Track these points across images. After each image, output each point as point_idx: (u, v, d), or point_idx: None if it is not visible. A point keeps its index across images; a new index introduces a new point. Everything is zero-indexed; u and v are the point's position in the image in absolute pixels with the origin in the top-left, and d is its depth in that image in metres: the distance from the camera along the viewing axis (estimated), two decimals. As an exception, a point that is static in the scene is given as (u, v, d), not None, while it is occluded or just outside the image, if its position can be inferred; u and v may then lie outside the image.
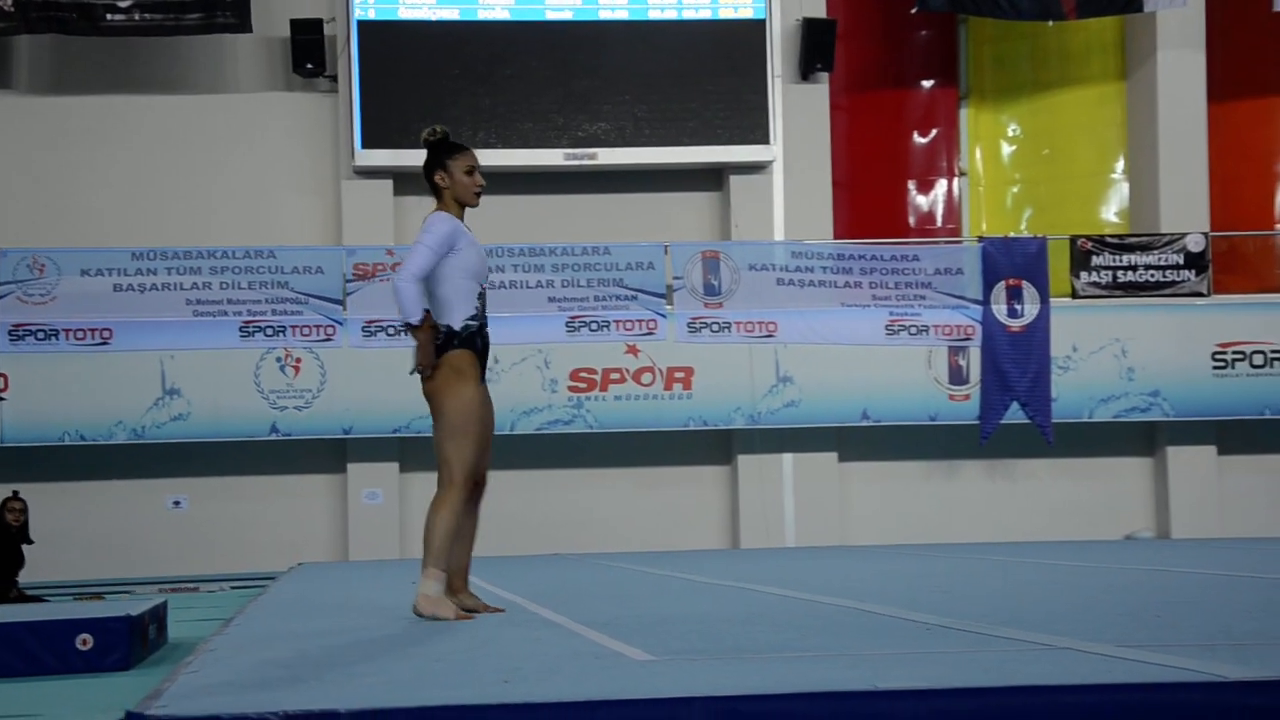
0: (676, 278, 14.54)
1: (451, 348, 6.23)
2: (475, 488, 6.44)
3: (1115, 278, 15.20)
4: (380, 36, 15.07)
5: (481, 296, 6.34)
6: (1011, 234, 15.69)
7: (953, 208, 16.36)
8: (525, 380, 14.64)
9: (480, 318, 6.32)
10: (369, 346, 14.12)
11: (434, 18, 15.16)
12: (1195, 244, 15.22)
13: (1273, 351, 15.21)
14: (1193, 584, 7.62)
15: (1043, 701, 3.43)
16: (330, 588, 9.22)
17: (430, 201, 6.54)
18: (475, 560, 6.70)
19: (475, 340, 6.28)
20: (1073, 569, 9.27)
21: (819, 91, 15.70)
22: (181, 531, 14.87)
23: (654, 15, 15.35)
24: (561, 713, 3.38)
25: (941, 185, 16.37)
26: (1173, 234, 15.27)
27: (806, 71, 15.54)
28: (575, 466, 15.27)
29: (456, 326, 6.25)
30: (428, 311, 6.14)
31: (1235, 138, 16.11)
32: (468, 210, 6.44)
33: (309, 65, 15.08)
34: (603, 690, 3.65)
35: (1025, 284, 14.87)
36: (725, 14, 15.37)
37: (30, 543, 12.98)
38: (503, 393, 14.76)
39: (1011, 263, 14.90)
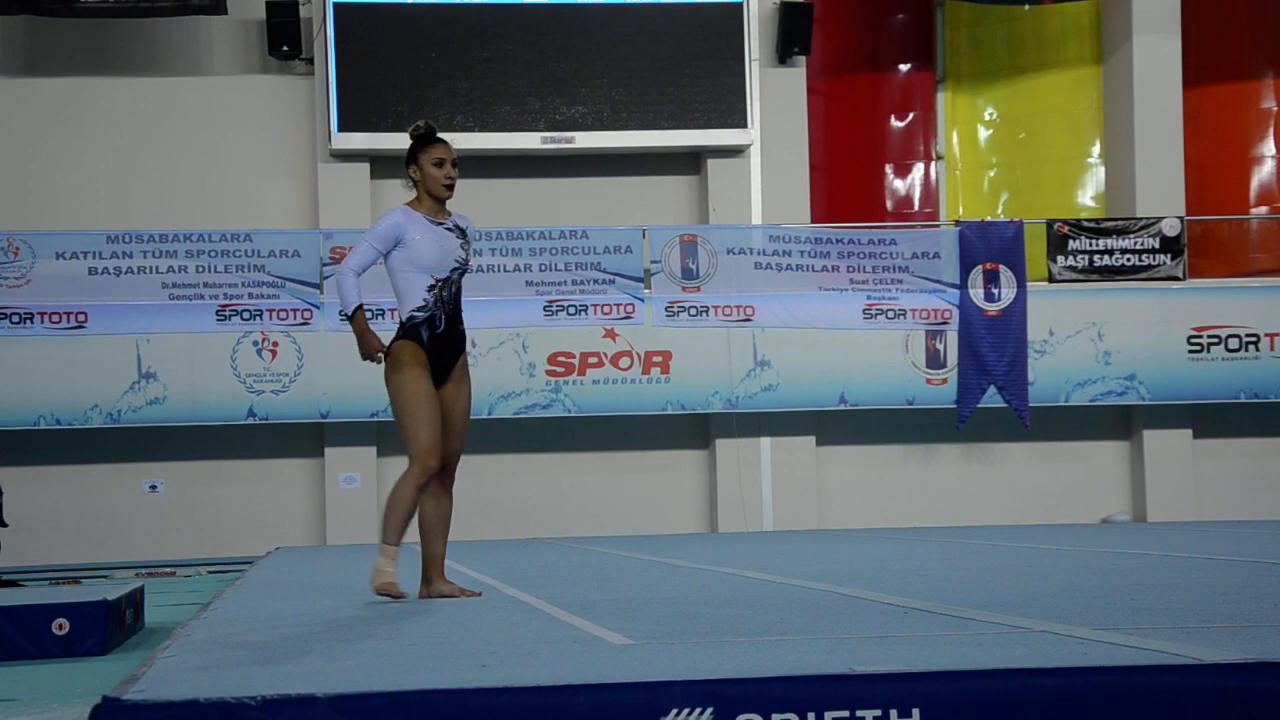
0: (654, 261, 14.54)
1: (398, 338, 6.45)
2: (441, 472, 6.45)
3: (1091, 262, 15.24)
4: (357, 19, 15.01)
5: (434, 288, 6.39)
6: (988, 218, 15.72)
7: (930, 192, 16.38)
8: (503, 364, 14.63)
9: (430, 309, 6.39)
10: (346, 330, 13.99)
11: (411, 0, 15.10)
12: (1171, 228, 15.27)
13: (1248, 335, 15.27)
14: (1169, 567, 7.65)
15: (1020, 684, 3.44)
16: (308, 572, 9.21)
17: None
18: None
19: (420, 331, 6.40)
20: (1050, 552, 9.30)
21: (796, 75, 15.70)
22: (158, 516, 14.83)
23: (631, -2, 15.32)
24: (539, 696, 3.38)
25: (918, 169, 16.39)
26: (1148, 218, 15.32)
27: (784, 55, 15.54)
28: (553, 450, 15.28)
29: (404, 317, 6.47)
30: (361, 306, 6.38)
31: (1210, 122, 16.16)
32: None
33: (285, 48, 15.01)
34: (581, 674, 3.65)
35: (1002, 268, 14.90)
36: (703, -3, 15.34)
37: (5, 526, 12.93)
38: (480, 377, 14.70)
39: (988, 247, 14.92)
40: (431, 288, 6.41)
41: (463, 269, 6.52)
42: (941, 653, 3.92)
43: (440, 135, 6.55)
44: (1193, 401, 15.41)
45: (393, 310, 11.40)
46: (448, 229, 6.48)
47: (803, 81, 15.74)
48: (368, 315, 6.48)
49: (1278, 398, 15.29)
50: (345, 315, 6.40)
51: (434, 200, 6.49)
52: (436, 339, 6.43)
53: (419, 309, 6.41)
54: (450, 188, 6.49)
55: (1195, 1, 16.01)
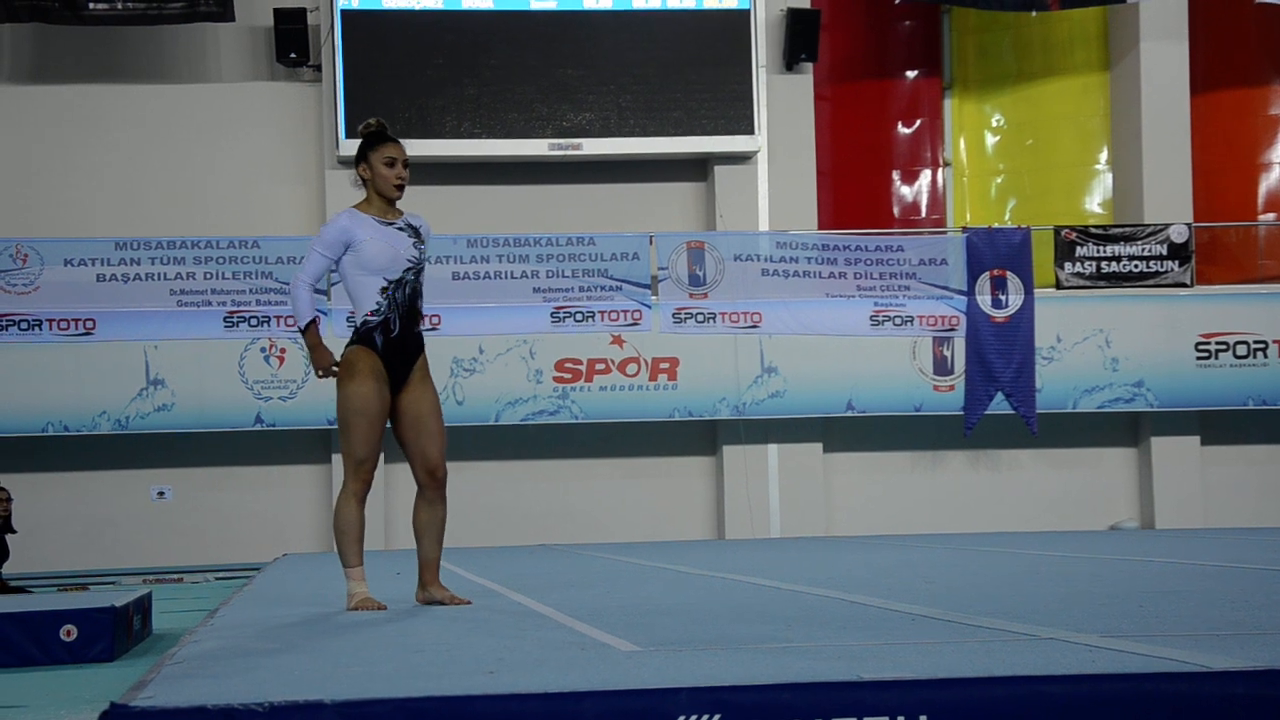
0: (661, 268, 14.53)
1: (352, 344, 6.41)
2: (430, 479, 6.44)
3: (1099, 268, 15.22)
4: (364, 26, 15.03)
5: (386, 290, 6.32)
6: (995, 224, 15.71)
7: (937, 198, 16.38)
8: (510, 371, 14.63)
9: (384, 312, 6.34)
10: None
11: (418, 7, 15.12)
12: (1179, 235, 15.25)
13: (1256, 342, 15.25)
14: (1177, 574, 7.64)
15: (1028, 692, 3.44)
16: (315, 579, 9.21)
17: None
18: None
19: (374, 336, 6.34)
20: (1057, 559, 9.29)
21: (803, 82, 15.71)
22: (166, 522, 14.84)
23: (638, 5, 15.34)
24: (547, 703, 3.38)
25: (926, 176, 16.39)
26: (1156, 225, 15.29)
27: (791, 62, 15.55)
28: (561, 457, 15.27)
29: (358, 322, 6.41)
30: (315, 320, 6.34)
31: (1218, 129, 16.15)
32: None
33: (292, 55, 15.04)
34: (588, 681, 3.64)
35: (1009, 274, 14.88)
36: (710, 4, 15.36)
37: (13, 532, 12.95)
38: (488, 383, 14.79)
39: (995, 253, 14.91)
40: (384, 290, 6.33)
41: (417, 269, 6.38)
42: (949, 660, 3.92)
43: (391, 135, 6.45)
44: (1201, 408, 15.40)
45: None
46: (399, 229, 6.37)
47: (810, 88, 15.74)
48: (358, 325, 6.41)
49: (1286, 404, 15.27)
50: (299, 329, 6.36)
51: (383, 200, 6.42)
52: (391, 343, 6.35)
53: (373, 313, 6.33)
54: (401, 188, 6.39)
55: (1203, 8, 16.00)
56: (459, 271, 13.93)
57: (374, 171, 6.37)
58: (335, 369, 6.36)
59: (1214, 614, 5.19)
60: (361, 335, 6.35)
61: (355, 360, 6.33)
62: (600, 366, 14.76)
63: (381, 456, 14.87)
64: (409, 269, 6.36)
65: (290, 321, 14.21)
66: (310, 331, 6.32)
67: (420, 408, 6.41)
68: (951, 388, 15.04)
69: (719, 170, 15.52)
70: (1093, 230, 15.35)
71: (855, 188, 16.30)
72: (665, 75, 15.26)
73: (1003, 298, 14.88)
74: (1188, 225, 15.34)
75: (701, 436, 15.48)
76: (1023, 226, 15.19)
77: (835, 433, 15.49)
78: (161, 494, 14.88)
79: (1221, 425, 15.67)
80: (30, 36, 15.23)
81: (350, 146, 14.80)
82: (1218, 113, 16.17)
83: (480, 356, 14.58)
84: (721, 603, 6.27)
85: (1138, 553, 9.81)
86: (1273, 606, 5.45)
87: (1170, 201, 15.64)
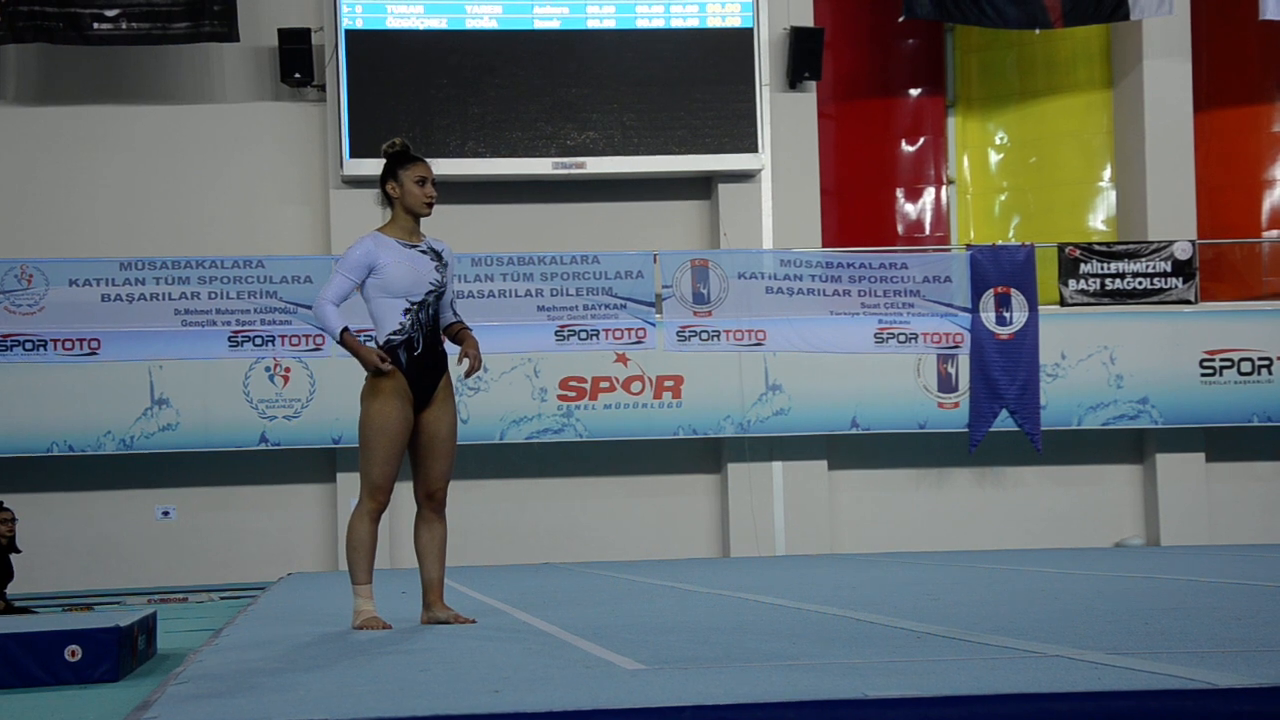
0: (666, 286, 14.55)
1: None
2: (429, 499, 6.47)
3: (1103, 285, 15.23)
4: (368, 46, 15.07)
5: (410, 312, 6.37)
6: (999, 242, 15.72)
7: (941, 216, 16.39)
8: (515, 389, 14.64)
9: (407, 331, 6.37)
10: (358, 356, 14.07)
11: (422, 27, 15.16)
12: (1182, 252, 15.26)
13: (1260, 358, 15.24)
14: (1183, 591, 7.63)
15: (1033, 709, 3.44)
16: (320, 598, 9.21)
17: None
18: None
19: (398, 354, 6.38)
20: (1063, 576, 9.28)
21: (807, 100, 15.73)
22: (171, 542, 14.84)
23: (642, 24, 15.37)
24: (552, 722, 3.38)
25: (929, 193, 16.40)
26: (1160, 242, 15.31)
27: (794, 80, 15.57)
28: (565, 475, 15.27)
29: (381, 341, 6.43)
30: (346, 327, 6.33)
31: (1221, 146, 16.16)
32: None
33: (297, 75, 15.08)
34: (593, 699, 3.64)
35: (1013, 292, 14.90)
36: (713, 23, 15.39)
37: (18, 552, 12.95)
38: (492, 402, 14.80)
39: (1000, 270, 14.92)
40: (407, 311, 6.39)
41: (439, 292, 6.44)
42: (955, 678, 3.92)
43: (418, 154, 6.50)
44: (1205, 425, 15.38)
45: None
46: (421, 251, 6.43)
47: (813, 106, 15.77)
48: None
49: (1291, 421, 15.26)
50: (336, 340, 6.38)
51: (411, 219, 6.45)
52: (415, 361, 6.39)
53: (395, 333, 6.38)
54: (431, 205, 6.47)
55: (1206, 25, 16.02)
56: (463, 290, 13.95)
57: (404, 189, 6.42)
58: (388, 362, 6.33)
59: (1220, 631, 5.18)
60: (386, 353, 6.37)
61: (381, 380, 6.36)
62: (605, 385, 14.77)
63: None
64: (430, 292, 6.42)
65: (294, 341, 14.25)
66: (347, 339, 6.32)
67: (438, 429, 6.45)
68: (956, 405, 15.03)
69: (723, 188, 15.54)
70: (1097, 247, 15.36)
71: (859, 205, 16.32)
72: (669, 94, 15.29)
73: (1007, 315, 14.89)
74: (1191, 242, 15.35)
75: (706, 454, 15.47)
76: (1026, 244, 15.21)
77: (840, 450, 15.48)
78: (166, 513, 14.88)
79: (1226, 442, 15.66)
80: (35, 57, 15.28)
81: (355, 166, 14.86)
82: (1221, 130, 16.19)
83: (484, 375, 14.57)
84: (726, 620, 6.26)
85: (1143, 570, 9.80)
86: (1278, 623, 5.44)
87: (1174, 219, 15.65)
